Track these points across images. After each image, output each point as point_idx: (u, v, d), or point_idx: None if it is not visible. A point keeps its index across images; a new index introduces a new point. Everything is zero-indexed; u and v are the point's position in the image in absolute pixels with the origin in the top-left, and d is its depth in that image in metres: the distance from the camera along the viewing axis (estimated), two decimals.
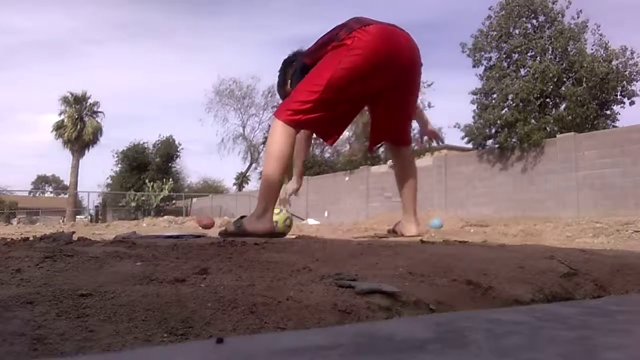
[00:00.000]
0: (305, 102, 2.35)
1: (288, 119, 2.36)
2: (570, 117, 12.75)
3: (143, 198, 25.47)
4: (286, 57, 2.91)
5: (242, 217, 2.48)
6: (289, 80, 2.77)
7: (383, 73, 2.44)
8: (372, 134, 2.97)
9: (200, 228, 5.32)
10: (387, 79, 2.50)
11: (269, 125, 2.63)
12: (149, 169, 29.93)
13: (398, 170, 2.98)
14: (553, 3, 13.75)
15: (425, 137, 3.38)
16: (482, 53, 14.36)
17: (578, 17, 13.53)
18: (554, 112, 13.25)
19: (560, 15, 13.71)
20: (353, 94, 2.46)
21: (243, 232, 2.27)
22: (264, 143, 21.59)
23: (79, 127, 28.43)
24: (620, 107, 13.35)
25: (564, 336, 0.47)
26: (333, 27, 2.58)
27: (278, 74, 2.92)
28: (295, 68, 2.67)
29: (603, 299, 1.14)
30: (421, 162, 15.20)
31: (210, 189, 34.43)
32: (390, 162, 16.33)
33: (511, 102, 13.36)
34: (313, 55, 2.55)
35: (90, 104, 29.56)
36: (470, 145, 14.49)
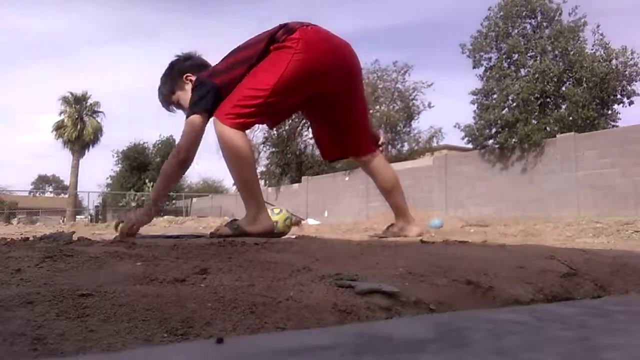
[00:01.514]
0: (248, 107, 2.24)
1: (232, 123, 2.25)
2: (571, 118, 12.75)
3: (143, 198, 25.47)
4: (174, 61, 2.59)
5: (234, 219, 2.42)
6: (188, 79, 2.50)
7: (328, 76, 2.37)
8: (324, 146, 2.82)
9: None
10: (332, 83, 2.42)
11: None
12: (149, 169, 29.94)
13: (374, 178, 2.83)
14: (550, 2, 13.76)
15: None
16: (482, 53, 14.37)
17: (575, 15, 13.54)
18: (554, 112, 13.24)
19: (558, 14, 13.71)
20: (298, 97, 2.41)
21: (243, 234, 2.22)
22: (264, 143, 21.58)
23: (79, 127, 28.43)
24: (621, 106, 13.37)
25: (564, 336, 0.47)
26: (247, 40, 2.42)
27: (162, 79, 2.59)
28: (198, 85, 2.37)
29: (603, 299, 1.14)
30: (421, 162, 15.21)
31: (210, 189, 34.46)
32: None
33: (511, 103, 13.37)
34: (228, 74, 2.34)
35: (90, 104, 29.57)
36: (470, 145, 14.49)
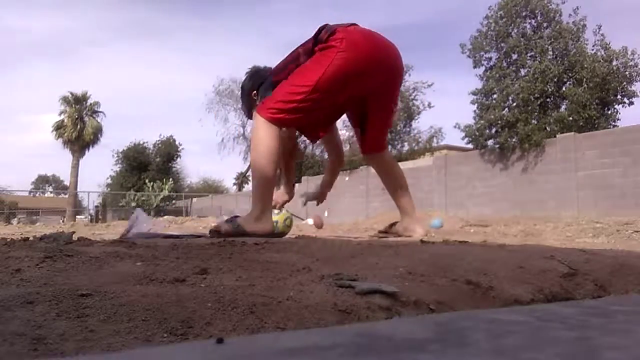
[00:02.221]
0: (290, 102, 2.30)
1: (271, 117, 2.31)
2: (571, 118, 12.75)
3: (143, 198, 25.49)
4: (242, 83, 2.90)
5: (235, 216, 2.44)
6: (256, 95, 2.74)
7: (371, 76, 2.41)
8: (363, 140, 2.84)
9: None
10: (374, 83, 2.47)
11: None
12: (149, 169, 29.97)
13: (383, 176, 2.90)
14: (548, 2, 13.75)
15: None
16: (482, 53, 14.37)
17: (577, 15, 13.53)
18: (554, 112, 13.24)
19: (558, 14, 13.71)
20: (340, 96, 2.43)
21: (242, 233, 2.23)
22: None
23: (79, 127, 28.43)
24: (621, 107, 13.36)
25: (564, 336, 0.47)
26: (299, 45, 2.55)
27: (242, 100, 2.95)
28: (265, 86, 2.61)
29: (603, 299, 1.14)
30: (421, 162, 15.20)
31: (210, 189, 34.48)
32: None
33: (511, 103, 13.36)
34: (282, 72, 2.50)
35: (90, 104, 29.57)
36: (470, 145, 14.49)
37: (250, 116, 2.74)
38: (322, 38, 2.35)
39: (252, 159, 2.40)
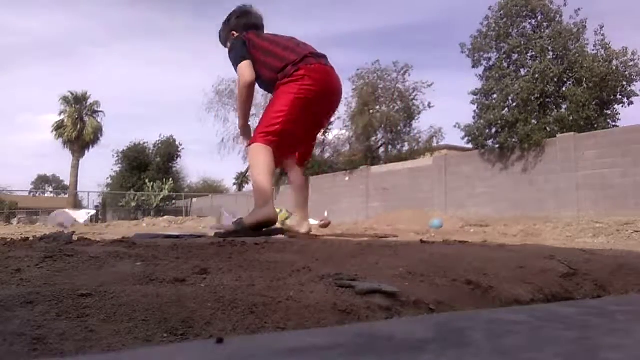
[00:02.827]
0: (273, 125, 2.85)
1: (262, 140, 2.83)
2: (571, 118, 12.73)
3: (143, 198, 25.47)
4: (230, 16, 3.22)
5: (240, 219, 2.60)
6: (233, 36, 3.13)
7: (323, 103, 3.02)
8: (302, 154, 3.36)
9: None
10: (323, 108, 3.08)
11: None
12: (149, 169, 29.93)
13: (294, 181, 3.37)
14: (550, 3, 13.74)
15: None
16: (482, 53, 14.36)
17: (577, 16, 13.53)
18: (554, 112, 13.23)
19: (558, 15, 13.71)
20: (305, 118, 2.97)
21: (244, 228, 2.50)
22: None
23: (79, 127, 28.42)
24: (621, 106, 13.35)
25: (564, 336, 0.47)
26: (289, 44, 2.99)
27: (222, 27, 3.28)
28: (238, 41, 3.01)
29: (603, 299, 1.14)
30: (421, 162, 15.20)
31: (210, 189, 34.45)
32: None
33: (511, 103, 13.35)
34: (254, 49, 2.96)
35: (90, 103, 29.57)
36: (470, 145, 14.47)
37: (224, 44, 3.24)
38: (289, 72, 2.87)
39: (252, 174, 2.86)
